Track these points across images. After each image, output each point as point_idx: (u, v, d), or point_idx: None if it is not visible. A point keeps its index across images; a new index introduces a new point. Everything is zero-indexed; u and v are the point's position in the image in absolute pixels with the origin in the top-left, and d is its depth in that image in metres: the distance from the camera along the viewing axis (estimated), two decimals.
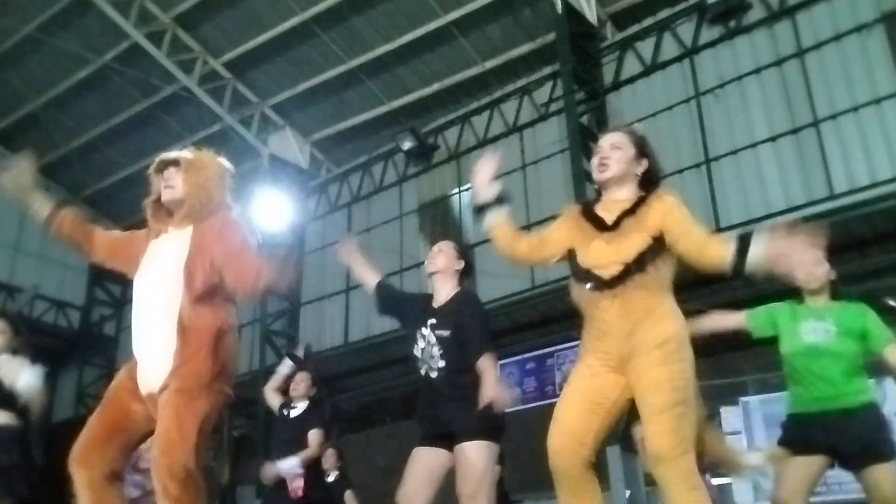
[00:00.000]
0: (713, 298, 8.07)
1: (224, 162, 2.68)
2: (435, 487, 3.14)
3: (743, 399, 8.32)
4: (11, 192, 2.61)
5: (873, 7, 8.21)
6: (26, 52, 12.59)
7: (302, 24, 11.33)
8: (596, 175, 2.60)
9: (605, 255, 2.45)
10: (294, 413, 5.10)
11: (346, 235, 3.65)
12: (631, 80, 9.86)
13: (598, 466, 2.48)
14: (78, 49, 12.15)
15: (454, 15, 10.64)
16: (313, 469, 5.00)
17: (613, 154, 2.56)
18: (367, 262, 3.70)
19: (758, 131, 8.65)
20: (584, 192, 8.17)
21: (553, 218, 2.78)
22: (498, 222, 2.67)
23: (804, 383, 3.25)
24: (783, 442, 3.32)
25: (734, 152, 8.75)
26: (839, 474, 5.30)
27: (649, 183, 2.57)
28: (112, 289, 15.81)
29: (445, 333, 3.22)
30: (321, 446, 4.97)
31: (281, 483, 4.85)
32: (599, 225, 2.52)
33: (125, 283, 15.38)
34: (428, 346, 3.25)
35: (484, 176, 2.72)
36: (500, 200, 2.70)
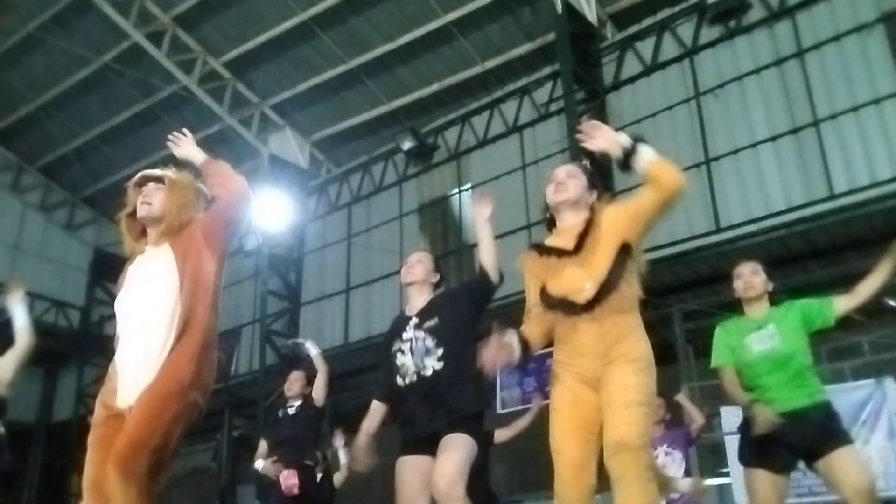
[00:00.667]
0: (714, 298, 8.09)
1: (202, 185, 2.70)
2: (428, 495, 3.08)
3: None
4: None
5: (873, 7, 8.21)
6: (26, 52, 12.60)
7: (302, 24, 11.33)
8: (552, 197, 2.73)
9: (579, 279, 2.55)
10: (290, 411, 5.15)
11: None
12: (631, 80, 9.86)
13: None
14: (78, 49, 12.15)
15: (454, 15, 10.64)
16: (307, 469, 5.03)
17: (570, 181, 2.71)
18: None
19: (758, 131, 8.65)
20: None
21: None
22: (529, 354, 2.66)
23: (758, 391, 3.33)
24: (743, 460, 3.41)
25: (734, 152, 8.74)
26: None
27: (597, 212, 2.69)
28: (112, 289, 15.79)
29: (434, 322, 3.22)
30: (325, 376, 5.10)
31: (276, 482, 4.88)
32: (562, 253, 2.62)
33: None
34: (416, 343, 3.23)
35: (505, 352, 2.62)
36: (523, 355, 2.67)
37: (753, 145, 8.62)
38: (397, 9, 10.89)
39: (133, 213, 2.62)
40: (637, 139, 2.51)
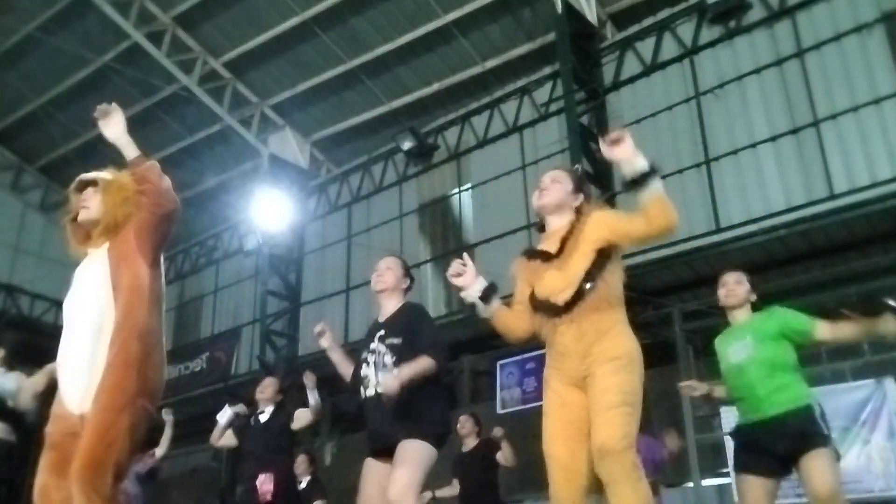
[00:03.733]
0: (714, 298, 8.07)
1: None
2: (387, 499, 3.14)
3: None
4: None
5: (873, 7, 8.20)
6: (26, 52, 12.60)
7: (302, 24, 11.33)
8: (535, 202, 2.80)
9: (557, 282, 2.61)
10: (262, 418, 5.13)
11: (317, 327, 3.69)
12: (631, 80, 9.85)
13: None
14: (78, 49, 12.16)
15: (454, 15, 10.64)
16: (285, 473, 5.00)
17: (553, 186, 2.78)
18: (343, 354, 3.67)
19: (758, 131, 8.64)
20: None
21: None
22: (494, 312, 2.81)
23: (742, 397, 3.40)
24: (734, 465, 3.50)
25: (734, 152, 8.74)
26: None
27: (583, 214, 2.75)
28: None
29: (397, 340, 3.23)
30: (316, 413, 5.06)
31: (252, 487, 4.85)
32: (546, 257, 2.69)
33: None
34: (379, 356, 3.24)
35: (466, 278, 2.81)
36: (489, 292, 2.81)
37: (753, 145, 8.62)
38: (397, 9, 10.89)
39: (75, 219, 2.64)
40: (653, 170, 2.51)
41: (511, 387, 9.78)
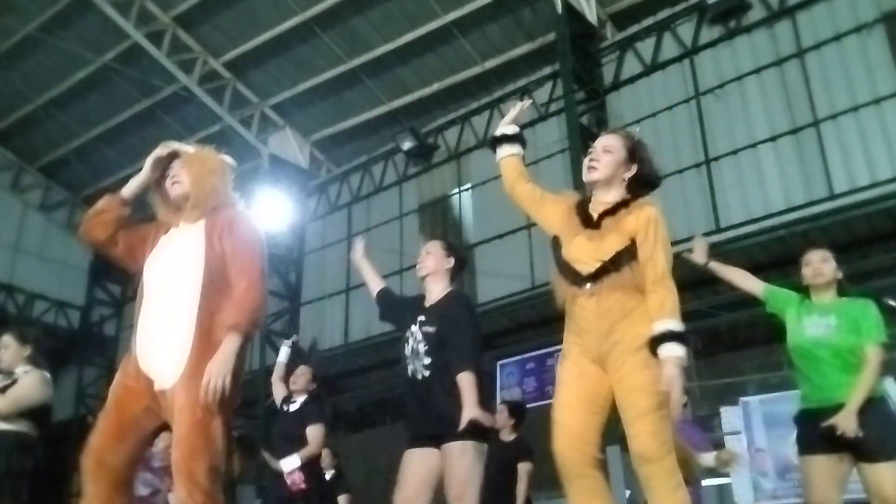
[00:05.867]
0: (714, 298, 8.09)
1: (226, 157, 2.70)
2: (433, 488, 3.12)
3: (743, 399, 8.31)
4: None
5: (873, 7, 8.21)
6: (26, 52, 12.59)
7: (302, 24, 11.33)
8: (585, 176, 2.66)
9: (585, 252, 2.53)
10: (293, 407, 5.05)
11: (357, 239, 3.64)
12: (631, 80, 9.86)
13: (605, 466, 2.55)
14: (78, 49, 12.16)
15: (454, 15, 10.64)
16: (312, 463, 4.97)
17: (603, 157, 2.61)
18: (373, 268, 3.73)
19: (758, 131, 8.65)
20: (585, 192, 8.17)
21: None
22: (510, 154, 2.87)
23: (809, 377, 3.27)
24: (799, 445, 3.33)
25: (734, 152, 8.74)
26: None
27: (638, 187, 2.62)
28: (112, 289, 15.81)
29: (431, 330, 3.20)
30: (321, 441, 4.91)
31: (279, 477, 4.83)
32: (585, 222, 2.59)
33: (125, 282, 15.41)
34: (416, 343, 3.23)
35: (514, 113, 2.90)
36: (517, 139, 2.88)
37: (753, 145, 8.62)
38: (397, 9, 10.89)
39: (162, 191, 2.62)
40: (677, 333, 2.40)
41: (511, 387, 9.78)
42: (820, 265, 3.34)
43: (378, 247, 11.73)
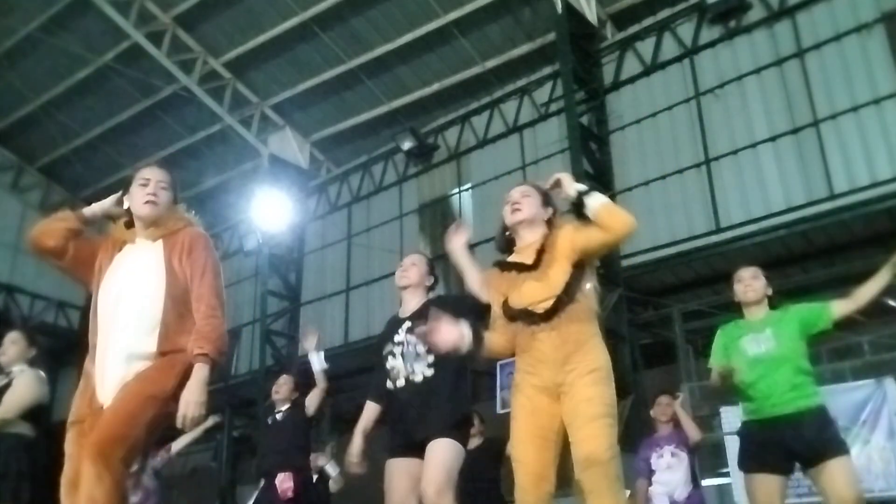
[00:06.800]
0: (713, 298, 8.09)
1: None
2: (417, 497, 3.10)
3: None
4: None
5: (873, 7, 8.20)
6: (26, 52, 12.60)
7: (302, 24, 11.33)
8: (508, 219, 2.81)
9: (537, 293, 2.64)
10: (278, 417, 5.11)
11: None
12: (631, 80, 9.85)
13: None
14: (78, 49, 12.15)
15: (454, 15, 10.64)
16: (305, 472, 5.00)
17: (524, 200, 2.80)
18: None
19: (758, 131, 8.64)
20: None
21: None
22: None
23: (757, 391, 3.34)
24: (742, 465, 3.43)
25: (734, 152, 8.73)
26: None
27: (553, 227, 2.80)
28: None
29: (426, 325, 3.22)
30: (324, 389, 4.94)
31: (270, 484, 4.86)
32: (522, 268, 2.71)
33: None
34: (408, 347, 3.22)
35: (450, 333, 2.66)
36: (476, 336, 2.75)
37: (753, 145, 8.61)
38: (397, 9, 10.89)
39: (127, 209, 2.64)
40: (589, 190, 2.67)
41: (511, 386, 9.77)
42: (751, 281, 3.50)
43: (378, 247, 11.75)
